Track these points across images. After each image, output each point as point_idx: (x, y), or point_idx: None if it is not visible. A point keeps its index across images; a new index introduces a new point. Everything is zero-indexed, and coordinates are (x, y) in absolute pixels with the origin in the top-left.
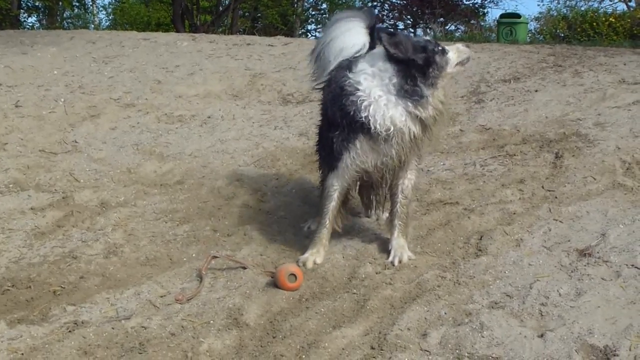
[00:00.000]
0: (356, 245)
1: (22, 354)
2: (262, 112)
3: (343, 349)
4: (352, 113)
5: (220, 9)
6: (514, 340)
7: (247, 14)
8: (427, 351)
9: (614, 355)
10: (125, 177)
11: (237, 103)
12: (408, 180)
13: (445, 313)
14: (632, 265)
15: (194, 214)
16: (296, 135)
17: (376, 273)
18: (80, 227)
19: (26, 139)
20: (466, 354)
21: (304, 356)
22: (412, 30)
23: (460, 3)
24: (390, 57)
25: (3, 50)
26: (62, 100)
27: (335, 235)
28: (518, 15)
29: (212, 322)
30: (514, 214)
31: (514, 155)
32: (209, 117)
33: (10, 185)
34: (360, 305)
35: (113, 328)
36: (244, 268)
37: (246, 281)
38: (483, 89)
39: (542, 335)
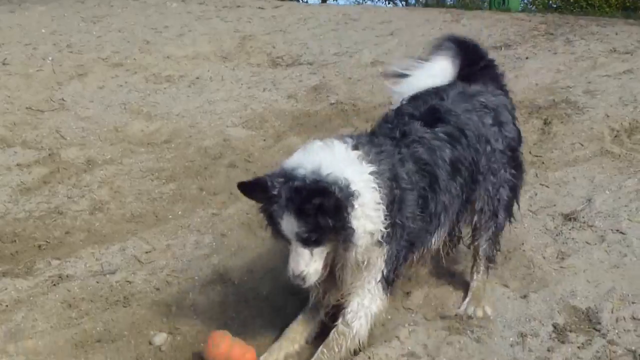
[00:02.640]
0: None
1: (7, 305)
2: (251, 74)
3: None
4: None
5: None
6: (497, 300)
7: None
8: (410, 309)
9: (596, 317)
10: (112, 136)
11: (226, 65)
12: None
13: (428, 272)
14: (617, 230)
15: (180, 173)
16: (285, 98)
17: None
18: (66, 184)
19: (13, 97)
20: (448, 314)
21: (287, 312)
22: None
23: None
24: None
25: None
26: (50, 58)
27: None
28: None
29: (196, 278)
30: None
31: None
32: (198, 78)
33: None
34: None
35: (98, 282)
36: None
37: (232, 240)
38: None
39: (525, 297)
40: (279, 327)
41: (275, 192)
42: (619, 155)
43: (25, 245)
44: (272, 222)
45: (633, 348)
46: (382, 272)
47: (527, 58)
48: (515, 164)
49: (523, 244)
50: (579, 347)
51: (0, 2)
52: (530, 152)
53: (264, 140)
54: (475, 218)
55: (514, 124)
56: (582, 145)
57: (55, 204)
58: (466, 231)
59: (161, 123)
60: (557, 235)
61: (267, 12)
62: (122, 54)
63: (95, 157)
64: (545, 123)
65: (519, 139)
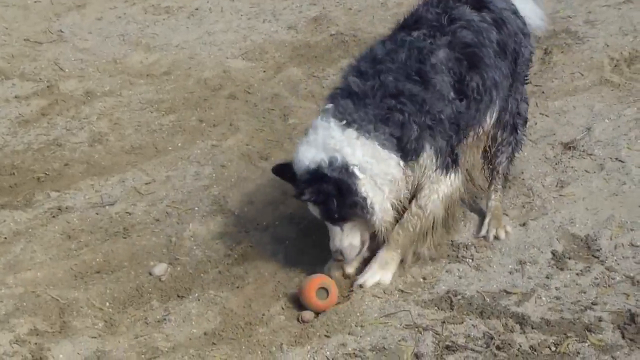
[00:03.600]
0: None
1: (6, 237)
2: (250, 5)
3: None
4: None
5: None
6: None
7: None
8: None
9: (595, 244)
10: (111, 67)
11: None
12: None
13: None
14: (616, 159)
15: (179, 104)
16: (285, 29)
17: None
18: (65, 116)
19: (11, 28)
20: (451, 241)
21: (287, 242)
22: None
23: None
24: None
25: None
26: None
27: None
28: None
29: (196, 208)
30: None
31: None
32: (197, 9)
33: None
34: None
35: (97, 214)
36: None
37: (232, 172)
38: None
39: (524, 225)
40: (280, 257)
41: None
42: (619, 85)
43: (24, 177)
44: None
45: (631, 274)
46: (441, 161)
47: None
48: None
49: (522, 172)
50: (577, 274)
51: None
52: (530, 82)
53: (264, 71)
54: (499, 132)
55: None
56: (582, 74)
57: (54, 136)
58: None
59: (160, 54)
60: (556, 164)
61: None
62: None
63: (94, 89)
64: (545, 53)
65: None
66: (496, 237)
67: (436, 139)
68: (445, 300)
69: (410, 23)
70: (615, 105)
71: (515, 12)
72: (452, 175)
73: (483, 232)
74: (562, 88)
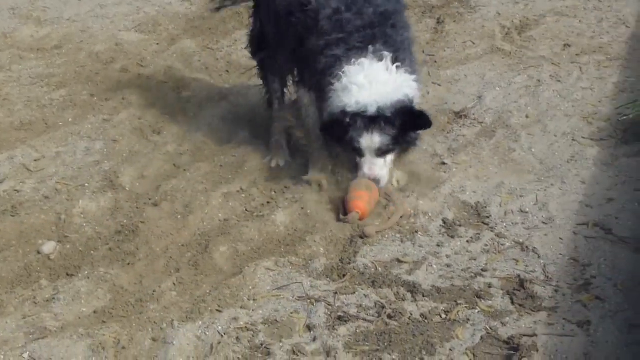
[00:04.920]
0: None
1: None
2: None
3: (220, 206)
4: None
5: None
6: None
7: None
8: None
9: (485, 211)
10: (0, 42)
11: None
12: None
13: None
14: (506, 126)
15: (71, 79)
16: (179, 1)
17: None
18: None
19: None
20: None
21: (179, 217)
22: None
23: None
24: None
25: None
26: None
27: None
28: None
29: (87, 185)
30: None
31: None
32: None
33: None
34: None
35: None
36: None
37: (124, 146)
38: None
39: (415, 193)
40: (171, 233)
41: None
42: (510, 53)
43: None
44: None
45: (520, 240)
46: None
47: None
48: None
49: None
50: (467, 241)
51: None
52: (423, 52)
53: (157, 44)
54: None
55: None
56: (473, 43)
57: None
58: None
59: (51, 28)
60: (447, 132)
61: None
62: None
63: None
64: (438, 22)
65: None
66: None
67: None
68: (338, 271)
69: None
70: (506, 74)
71: None
72: None
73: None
74: (454, 57)
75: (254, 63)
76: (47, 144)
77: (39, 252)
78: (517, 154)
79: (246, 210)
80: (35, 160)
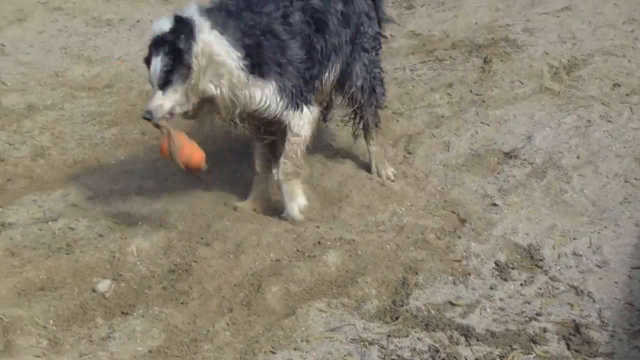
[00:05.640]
0: None
1: None
2: None
3: (271, 246)
4: None
5: None
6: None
7: None
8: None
9: (538, 254)
10: (52, 81)
11: (167, 7)
12: None
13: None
14: (557, 167)
15: (122, 117)
16: None
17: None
18: (7, 130)
19: None
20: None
21: (231, 256)
22: None
23: None
24: None
25: None
26: None
27: None
28: None
29: (139, 223)
30: (442, 117)
31: (443, 60)
32: (138, 22)
33: None
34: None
35: (40, 229)
36: None
37: (175, 185)
38: None
39: (466, 235)
40: (224, 272)
41: None
42: (558, 92)
43: None
44: None
45: (575, 284)
46: (291, 97)
47: None
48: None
49: (464, 183)
50: (521, 284)
51: None
52: (470, 91)
53: None
54: (359, 95)
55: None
56: (521, 83)
57: None
58: (350, 110)
59: (102, 67)
60: (498, 173)
61: None
62: None
63: (36, 103)
64: (485, 61)
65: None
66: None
67: (283, 78)
68: (390, 313)
69: None
70: (556, 113)
71: None
72: (306, 108)
73: (373, 171)
74: (503, 97)
75: None
76: (99, 182)
77: (94, 290)
78: (569, 196)
79: (297, 250)
80: (89, 199)
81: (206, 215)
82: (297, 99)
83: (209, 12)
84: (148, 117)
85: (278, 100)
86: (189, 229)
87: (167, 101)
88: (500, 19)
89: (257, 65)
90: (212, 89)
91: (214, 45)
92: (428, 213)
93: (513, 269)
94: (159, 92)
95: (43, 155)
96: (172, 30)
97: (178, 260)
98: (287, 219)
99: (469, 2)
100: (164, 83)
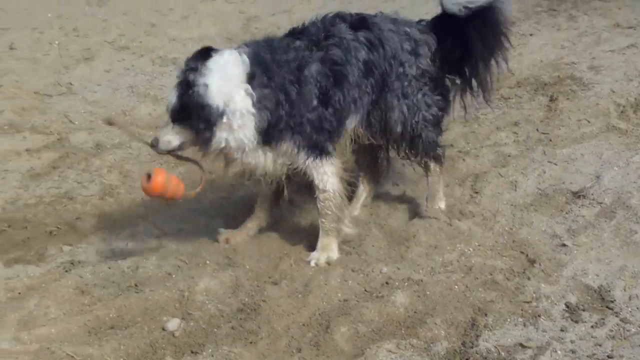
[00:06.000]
0: None
1: (19, 293)
2: None
3: (339, 286)
4: None
5: None
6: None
7: None
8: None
9: (609, 295)
10: (120, 120)
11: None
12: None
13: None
14: (627, 207)
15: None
16: None
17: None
18: (76, 169)
19: (21, 81)
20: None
21: (299, 296)
22: None
23: None
24: None
25: None
26: (57, 42)
27: None
28: None
29: (208, 262)
30: (509, 156)
31: (509, 98)
32: None
33: (6, 127)
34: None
35: (109, 268)
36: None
37: (241, 223)
38: None
39: (536, 276)
40: (292, 312)
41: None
42: (626, 131)
43: (36, 231)
44: None
45: None
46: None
47: (530, 35)
48: (440, 90)
49: (532, 223)
50: (592, 326)
51: None
52: (537, 130)
53: None
54: (399, 141)
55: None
56: (588, 121)
57: (65, 189)
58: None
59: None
60: (566, 213)
61: None
62: (127, 37)
63: (103, 142)
64: (551, 100)
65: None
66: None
67: (295, 135)
68: (460, 355)
69: (297, 32)
70: (624, 152)
71: (404, 34)
72: (326, 160)
73: (423, 209)
74: (570, 135)
75: None
76: (168, 221)
77: (163, 329)
78: (638, 236)
79: (365, 290)
80: (157, 237)
81: (273, 254)
82: (314, 154)
83: (251, 82)
84: (154, 144)
85: (294, 157)
86: (256, 268)
87: (176, 138)
88: (565, 57)
89: (272, 126)
90: (223, 143)
91: (237, 103)
92: (496, 253)
93: (584, 310)
94: (171, 125)
95: (111, 193)
96: (199, 70)
97: (246, 299)
98: (310, 262)
99: (533, 40)
100: (178, 117)
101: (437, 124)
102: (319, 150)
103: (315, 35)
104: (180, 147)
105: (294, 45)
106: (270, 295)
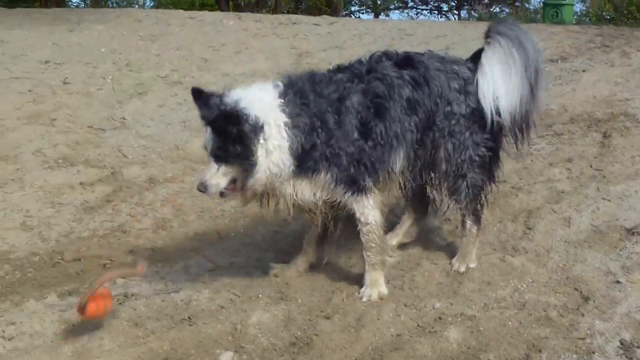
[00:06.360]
0: None
1: (74, 325)
2: None
3: (391, 321)
4: None
5: None
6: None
7: None
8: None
9: None
10: (173, 154)
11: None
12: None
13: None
14: None
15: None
16: None
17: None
18: (129, 202)
19: (75, 115)
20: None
21: (352, 330)
22: (456, 12)
23: None
24: None
25: (51, 28)
26: (110, 77)
27: None
28: None
29: (260, 295)
30: (562, 192)
31: (562, 134)
32: None
33: (60, 161)
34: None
35: (163, 301)
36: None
37: (292, 257)
38: None
39: (590, 312)
40: (345, 346)
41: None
42: None
43: (90, 264)
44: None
45: None
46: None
47: (583, 71)
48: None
49: (586, 259)
50: None
51: (59, 21)
52: (590, 166)
53: None
54: (443, 182)
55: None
56: None
57: (119, 223)
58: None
59: None
60: (620, 250)
61: (323, 28)
62: (180, 72)
63: (157, 175)
64: (604, 136)
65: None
66: (456, 271)
67: (331, 166)
68: None
69: (342, 67)
70: None
71: (452, 72)
72: (364, 194)
73: (454, 266)
74: (623, 172)
75: None
76: (220, 254)
77: None
78: None
79: (418, 325)
80: (210, 270)
81: (325, 288)
82: (352, 189)
83: (283, 99)
84: (202, 190)
85: (332, 190)
86: (309, 302)
87: (223, 178)
88: (619, 93)
89: (306, 152)
90: (263, 167)
91: (271, 119)
92: (550, 290)
93: (638, 347)
94: (215, 166)
95: (164, 227)
96: (244, 115)
97: (299, 333)
98: (362, 298)
99: (587, 76)
100: (218, 153)
101: (483, 166)
102: (357, 185)
103: (358, 70)
104: (229, 185)
105: (336, 77)
106: (323, 329)
